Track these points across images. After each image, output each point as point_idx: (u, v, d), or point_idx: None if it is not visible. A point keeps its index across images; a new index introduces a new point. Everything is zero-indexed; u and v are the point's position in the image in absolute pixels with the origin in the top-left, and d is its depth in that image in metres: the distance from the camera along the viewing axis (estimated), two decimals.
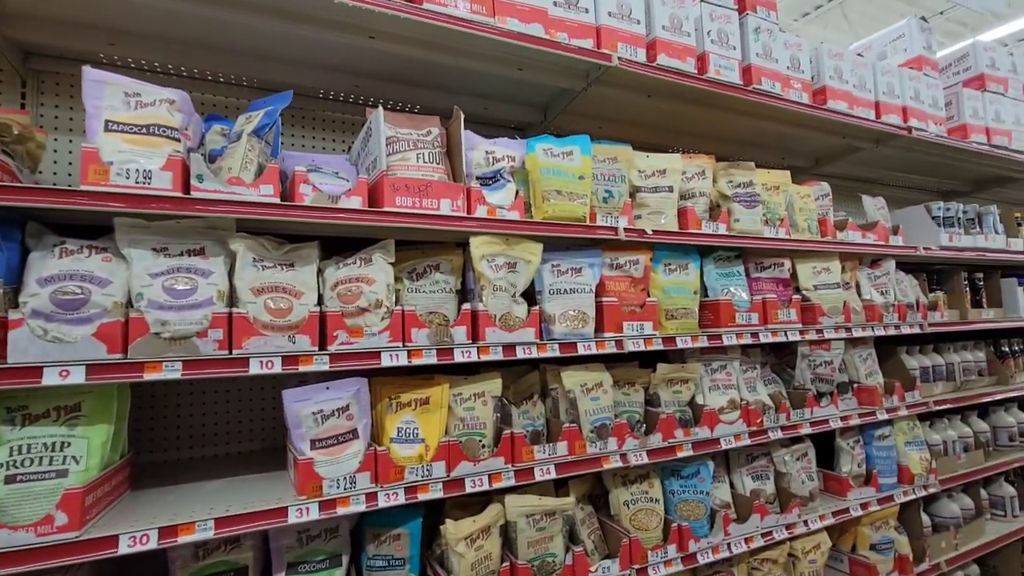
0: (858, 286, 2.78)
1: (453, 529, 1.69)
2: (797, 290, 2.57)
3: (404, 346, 1.66)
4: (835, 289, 2.59)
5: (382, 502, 1.58)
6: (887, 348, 3.01)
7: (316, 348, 1.54)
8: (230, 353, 1.44)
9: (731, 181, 2.38)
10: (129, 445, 1.68)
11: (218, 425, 2.06)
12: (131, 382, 1.54)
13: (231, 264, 1.54)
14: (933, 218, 3.08)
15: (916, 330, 2.87)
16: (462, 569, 1.68)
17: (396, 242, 1.81)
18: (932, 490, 2.80)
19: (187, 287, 1.44)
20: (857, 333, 2.62)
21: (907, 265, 3.24)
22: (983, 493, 3.30)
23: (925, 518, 2.96)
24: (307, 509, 1.50)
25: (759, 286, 2.49)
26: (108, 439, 1.43)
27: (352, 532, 1.77)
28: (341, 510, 1.53)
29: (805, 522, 2.38)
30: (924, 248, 2.96)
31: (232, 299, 1.53)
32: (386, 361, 1.62)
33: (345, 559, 1.69)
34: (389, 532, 1.71)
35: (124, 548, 1.30)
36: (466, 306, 1.76)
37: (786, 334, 2.40)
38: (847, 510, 2.52)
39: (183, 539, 1.36)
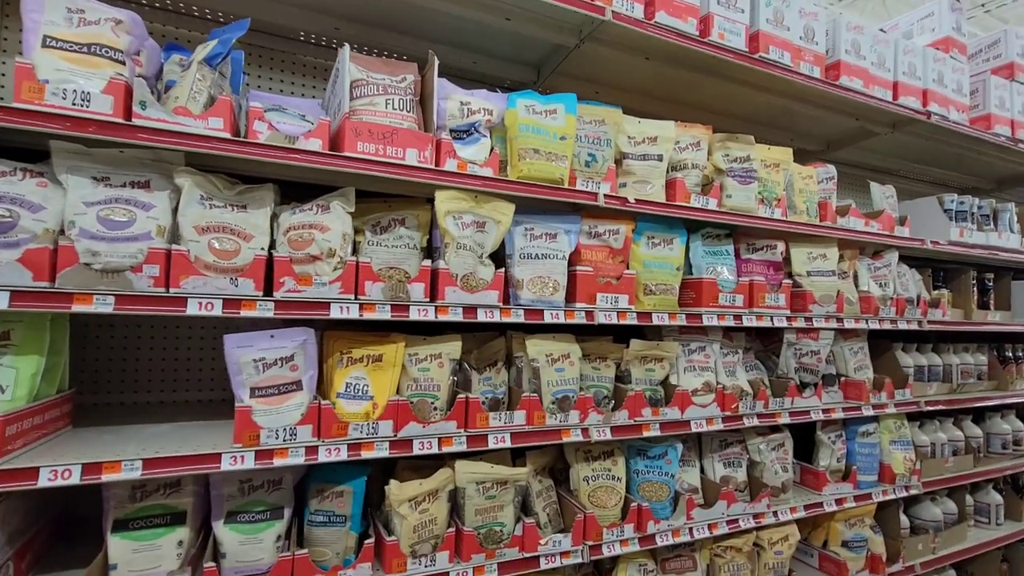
0: (856, 276, 2.65)
1: (396, 490, 1.64)
2: (790, 275, 2.45)
3: (356, 299, 1.58)
4: (830, 277, 2.47)
5: (323, 456, 1.53)
6: (882, 343, 2.89)
7: (260, 293, 1.47)
8: (167, 291, 1.38)
9: (727, 155, 2.25)
10: (73, 383, 1.65)
11: (176, 371, 2.02)
12: (65, 313, 1.50)
13: (177, 201, 1.47)
14: (945, 211, 2.92)
15: (914, 326, 2.74)
16: (404, 531, 1.63)
17: (362, 194, 1.73)
18: (914, 491, 2.71)
19: (124, 219, 1.37)
20: (849, 324, 2.50)
21: (913, 259, 3.09)
22: (969, 499, 3.20)
23: (904, 519, 2.87)
24: (242, 457, 1.45)
25: (749, 268, 2.37)
26: (38, 371, 1.38)
27: (297, 486, 1.73)
28: (279, 461, 1.49)
29: (775, 513, 2.31)
30: (932, 242, 2.81)
31: (175, 237, 1.46)
32: (336, 313, 1.55)
33: (287, 512, 1.65)
34: (333, 488, 1.66)
35: (44, 481, 1.27)
36: (426, 262, 1.68)
37: (772, 319, 2.29)
38: (820, 504, 2.44)
39: (108, 477, 1.32)
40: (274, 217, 1.62)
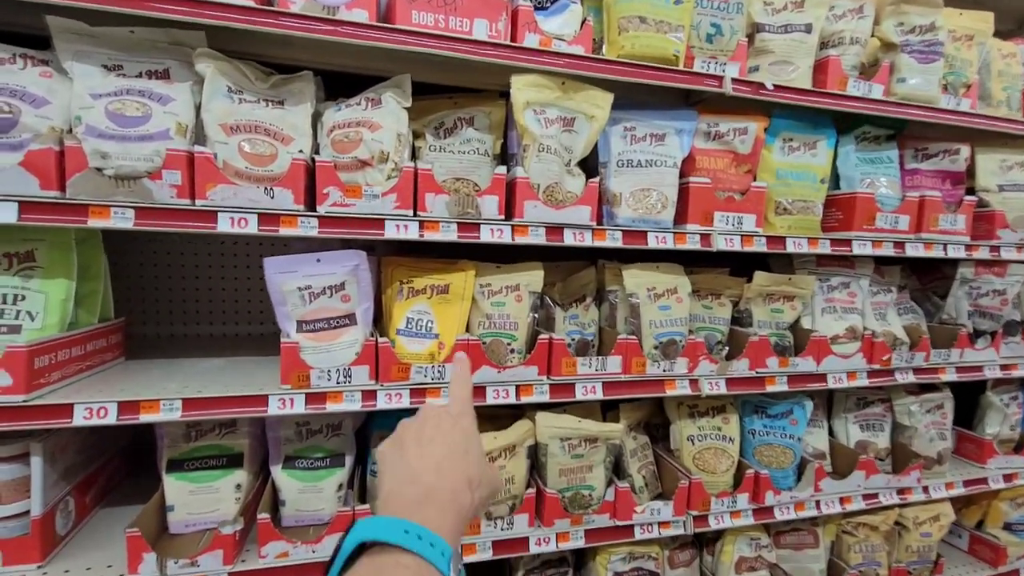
0: None
1: None
2: (971, 191, 1.86)
3: (415, 215, 1.28)
4: None
5: (382, 403, 1.30)
6: None
7: (302, 207, 1.20)
8: (192, 203, 1.14)
9: (902, 24, 1.66)
10: (122, 313, 1.51)
11: (237, 303, 1.87)
12: (94, 232, 1.33)
13: (201, 94, 1.20)
14: None
15: None
16: None
17: (421, 90, 1.39)
18: None
19: (138, 114, 1.12)
20: None
21: None
22: None
23: None
24: (291, 400, 1.25)
25: (916, 181, 1.81)
26: (69, 296, 1.22)
27: (359, 432, 1.54)
28: (332, 406, 1.27)
29: (925, 488, 1.87)
30: None
31: (200, 138, 1.20)
32: (391, 232, 1.26)
33: (348, 460, 1.47)
34: None
35: (79, 420, 1.12)
36: (500, 170, 1.33)
37: (946, 248, 1.75)
38: (984, 480, 1.96)
39: (146, 417, 1.16)
40: (316, 117, 1.33)
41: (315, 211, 1.22)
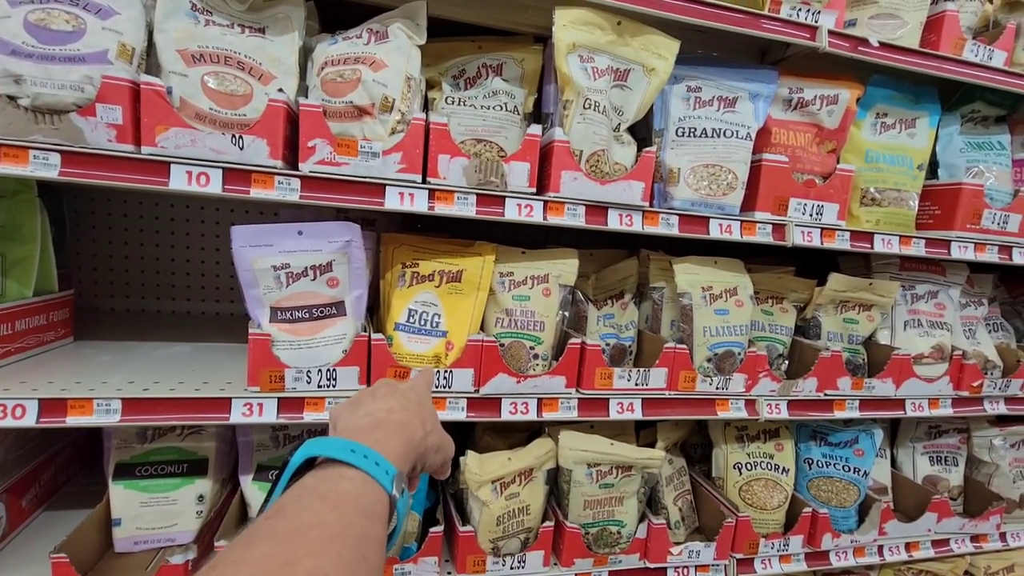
0: None
1: (476, 467, 1.14)
2: None
3: (425, 182, 1.01)
4: None
5: None
6: None
7: (279, 164, 0.94)
8: (137, 149, 0.88)
9: None
10: (71, 285, 1.27)
11: (215, 277, 1.62)
12: (28, 182, 1.08)
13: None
14: None
15: None
16: (484, 520, 1.15)
17: (440, 27, 1.12)
18: None
19: (67, 28, 0.86)
20: None
21: None
22: None
23: None
24: (259, 406, 1.00)
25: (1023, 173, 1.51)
26: None
27: None
28: (311, 415, 1.02)
29: (1003, 535, 1.60)
30: None
31: (154, 68, 0.94)
32: (392, 202, 0.99)
33: None
34: None
35: None
36: (533, 130, 1.05)
37: None
38: None
39: (75, 420, 0.92)
40: (307, 52, 1.06)
41: (297, 170, 0.95)
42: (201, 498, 1.19)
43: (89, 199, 1.50)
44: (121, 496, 1.14)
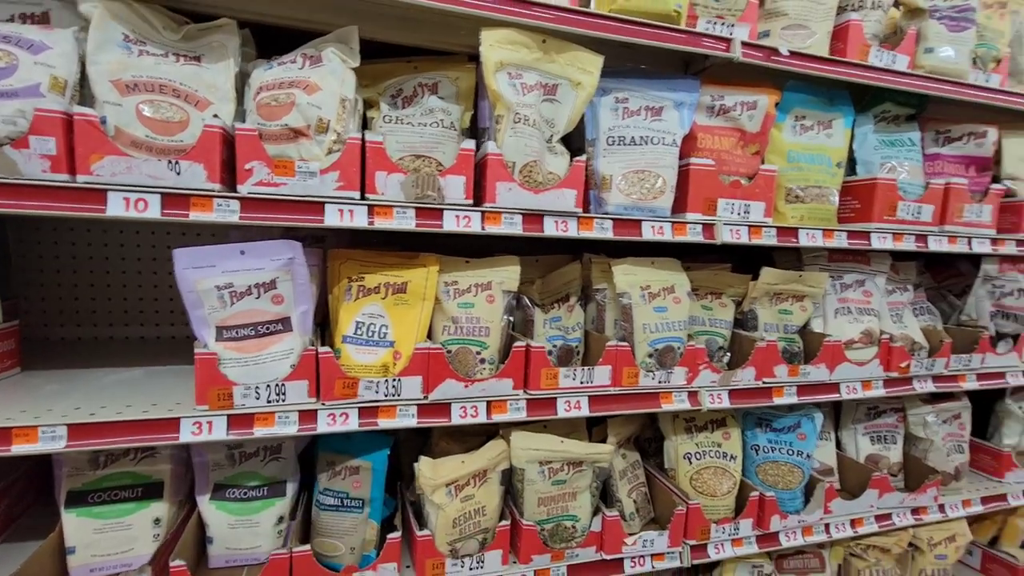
0: None
1: (429, 471, 1.18)
2: (996, 179, 1.68)
3: (363, 198, 1.05)
4: None
5: (324, 425, 1.08)
6: None
7: (218, 187, 0.97)
8: (72, 179, 0.90)
9: None
10: (17, 316, 1.26)
11: (166, 302, 1.62)
12: None
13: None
14: None
15: None
16: (440, 524, 1.18)
17: (378, 49, 1.16)
18: None
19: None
20: None
21: None
22: None
23: None
24: (208, 425, 1.02)
25: (937, 167, 1.63)
26: None
27: (305, 453, 1.32)
28: (261, 430, 1.04)
29: (941, 507, 1.70)
30: None
31: (89, 99, 0.96)
32: (332, 218, 1.03)
33: (290, 488, 1.25)
34: (346, 463, 1.23)
35: None
36: (467, 145, 1.10)
37: (970, 243, 1.57)
38: (1003, 497, 1.80)
39: (19, 448, 0.93)
40: (244, 78, 1.09)
41: (236, 192, 0.98)
42: (158, 521, 1.20)
43: (34, 229, 1.50)
44: (74, 524, 1.14)
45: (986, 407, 1.94)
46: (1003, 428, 1.89)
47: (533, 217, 1.15)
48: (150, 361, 1.36)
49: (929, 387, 1.60)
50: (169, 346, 1.54)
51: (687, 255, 1.52)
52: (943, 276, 1.90)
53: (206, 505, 1.21)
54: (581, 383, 1.25)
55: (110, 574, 1.15)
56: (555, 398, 1.23)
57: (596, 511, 1.34)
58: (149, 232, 1.58)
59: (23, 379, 1.21)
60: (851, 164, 1.54)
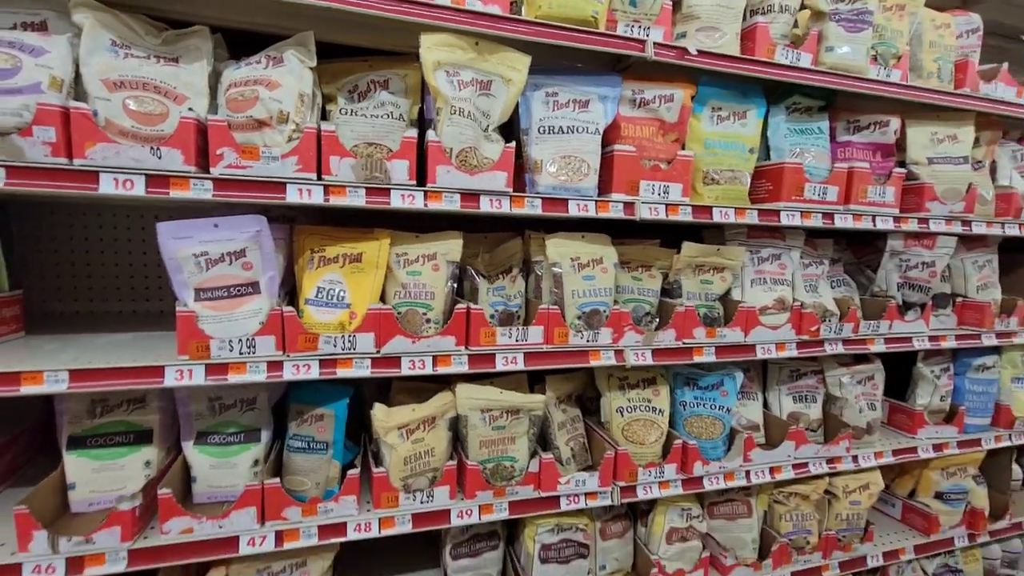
0: (994, 166, 2.02)
1: (382, 416, 1.36)
2: (902, 164, 1.87)
3: (320, 179, 1.23)
4: (959, 166, 1.87)
5: (289, 374, 1.26)
6: (1018, 257, 2.27)
7: (193, 169, 1.15)
8: (70, 162, 1.08)
9: None
10: (21, 287, 1.44)
11: (155, 279, 1.80)
12: None
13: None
14: None
15: None
16: (393, 462, 1.37)
17: (338, 50, 1.34)
18: None
19: (6, 66, 1.05)
20: (978, 229, 1.92)
21: None
22: None
23: (1017, 470, 2.38)
24: (189, 372, 1.20)
25: (848, 153, 1.81)
26: None
27: (278, 407, 1.50)
28: (235, 377, 1.23)
29: (854, 458, 1.90)
30: None
31: (83, 95, 1.13)
32: (293, 196, 1.21)
33: (265, 435, 1.43)
34: (312, 411, 1.41)
35: None
36: (410, 132, 1.28)
37: (874, 220, 1.76)
38: (914, 450, 2.00)
39: (28, 390, 1.10)
40: (216, 76, 1.27)
41: (209, 173, 1.16)
42: (148, 463, 1.38)
43: (34, 215, 1.66)
44: (74, 464, 1.32)
45: (907, 372, 2.14)
46: (917, 390, 2.10)
47: (470, 196, 1.33)
48: (139, 329, 1.54)
49: (839, 349, 1.80)
50: (156, 318, 1.72)
51: (626, 235, 1.70)
52: (862, 253, 2.09)
53: (190, 449, 1.39)
54: (517, 341, 1.43)
55: (106, 508, 1.33)
56: (494, 354, 1.42)
57: (534, 455, 1.53)
58: (138, 216, 1.75)
59: (27, 341, 1.38)
60: (766, 151, 1.72)
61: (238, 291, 1.24)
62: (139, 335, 1.47)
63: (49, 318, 1.64)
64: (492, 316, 1.51)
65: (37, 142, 1.05)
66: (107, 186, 1.09)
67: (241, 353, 1.23)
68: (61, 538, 1.17)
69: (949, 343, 1.97)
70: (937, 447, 2.04)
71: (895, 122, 1.79)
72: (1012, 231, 1.98)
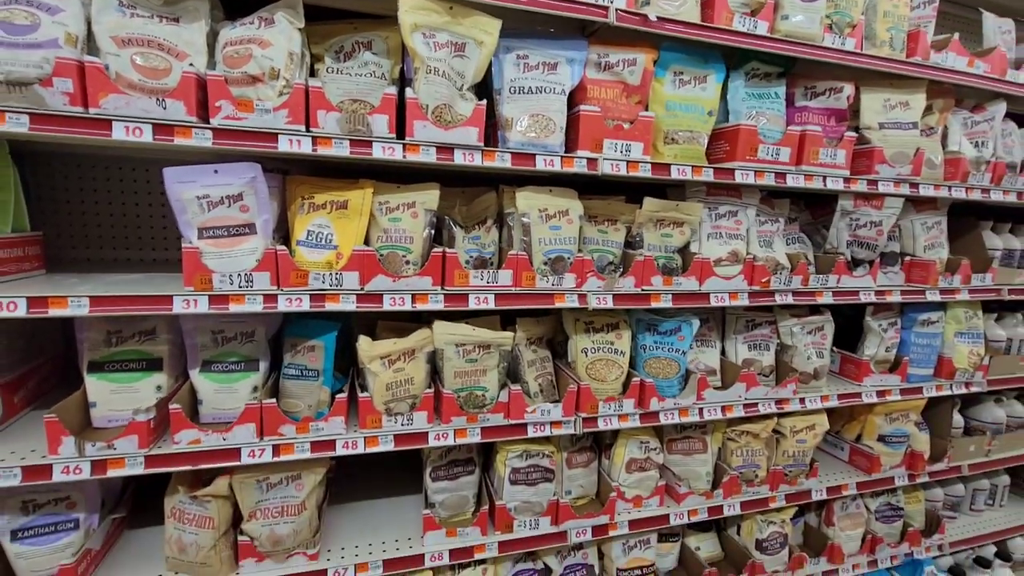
0: (945, 133, 2.15)
1: (367, 347, 1.53)
2: (856, 130, 2.00)
3: (308, 131, 1.37)
4: (909, 131, 2.00)
5: (282, 305, 1.42)
6: (967, 221, 2.42)
7: (195, 119, 1.29)
8: (86, 110, 1.22)
9: None
10: (42, 229, 1.60)
11: (164, 229, 1.95)
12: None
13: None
14: None
15: (1011, 198, 2.25)
16: (377, 388, 1.55)
17: (327, 12, 1.46)
18: (975, 389, 2.39)
19: (26, 23, 1.18)
20: (925, 192, 2.06)
21: None
22: None
23: (960, 419, 2.58)
24: (195, 301, 1.36)
25: (804, 118, 1.94)
26: None
27: (274, 341, 1.67)
28: (235, 307, 1.39)
29: (801, 400, 2.08)
30: None
31: (93, 50, 1.26)
32: (284, 146, 1.35)
33: (263, 365, 1.61)
34: (304, 343, 1.58)
35: None
36: (389, 90, 1.42)
37: (825, 181, 1.90)
38: (858, 395, 2.19)
39: (54, 311, 1.27)
40: (213, 35, 1.39)
41: (209, 123, 1.30)
42: (159, 388, 1.55)
43: (49, 167, 1.80)
44: (95, 386, 1.49)
45: (858, 327, 2.31)
46: (866, 341, 2.27)
47: (445, 149, 1.47)
48: (152, 271, 1.70)
49: (789, 300, 1.96)
50: (163, 265, 1.87)
51: (592, 190, 1.84)
52: (819, 213, 2.24)
53: (196, 376, 1.57)
54: (488, 283, 1.59)
55: (124, 424, 1.52)
56: (467, 294, 1.58)
57: (504, 387, 1.71)
58: (143, 169, 1.89)
59: (48, 277, 1.54)
60: (725, 114, 1.85)
61: (236, 231, 1.39)
62: (149, 275, 1.63)
63: (64, 262, 1.80)
64: (467, 262, 1.67)
65: (57, 92, 1.19)
66: (119, 133, 1.24)
67: (240, 287, 1.39)
68: (87, 443, 1.35)
69: (895, 297, 2.13)
70: (880, 394, 2.23)
71: (849, 88, 1.91)
72: (958, 194, 2.12)
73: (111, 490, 1.71)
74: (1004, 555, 2.86)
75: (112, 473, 1.38)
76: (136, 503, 1.82)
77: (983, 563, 2.72)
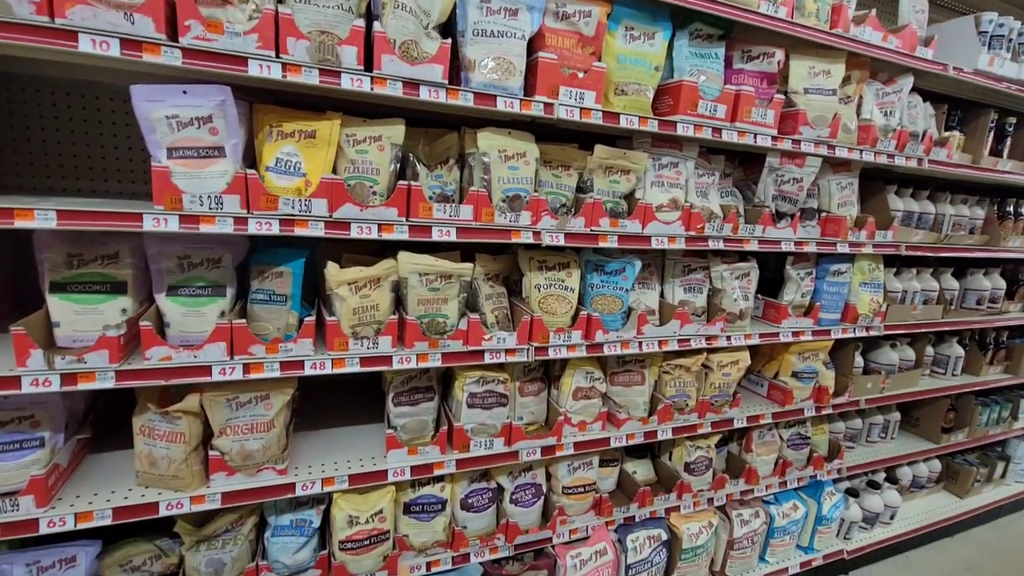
0: (860, 102, 2.41)
1: (335, 272, 1.62)
2: (785, 93, 2.21)
3: (278, 57, 1.42)
4: (829, 97, 2.24)
5: (252, 228, 1.49)
6: (875, 184, 2.73)
7: (163, 37, 1.31)
8: (52, 20, 1.22)
9: None
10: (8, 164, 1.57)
11: (119, 161, 1.93)
12: None
13: None
14: (980, 33, 2.57)
15: (912, 164, 2.55)
16: (344, 312, 1.65)
17: None
18: (874, 332, 2.74)
19: None
20: (841, 153, 2.32)
21: (932, 94, 2.79)
22: (929, 350, 3.27)
23: (860, 361, 2.96)
24: (165, 220, 1.40)
25: (739, 79, 2.14)
26: None
27: (240, 269, 1.72)
28: (205, 227, 1.44)
29: (728, 337, 2.34)
30: (955, 68, 2.50)
31: None
32: (255, 71, 1.40)
33: (230, 291, 1.66)
34: (272, 269, 1.65)
35: None
36: (358, 22, 1.48)
37: (755, 137, 2.11)
38: (776, 335, 2.48)
39: (20, 223, 1.29)
40: None
41: (178, 43, 1.33)
42: (124, 311, 1.59)
43: (8, 90, 1.74)
44: (57, 305, 1.51)
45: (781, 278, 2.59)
46: (786, 288, 2.55)
47: (411, 84, 1.56)
48: (116, 197, 1.70)
49: (720, 246, 2.18)
50: (131, 197, 1.86)
51: (548, 137, 1.96)
52: (751, 171, 2.47)
53: (163, 300, 1.61)
54: (450, 216, 1.70)
55: (89, 345, 1.55)
56: (431, 226, 1.69)
57: (463, 315, 1.84)
58: (108, 98, 1.86)
59: (11, 197, 1.52)
60: (670, 71, 2.01)
61: (206, 152, 1.43)
62: (117, 199, 1.64)
63: (25, 189, 1.76)
64: (430, 198, 1.77)
65: (24, 0, 1.18)
66: (86, 45, 1.25)
67: (211, 208, 1.44)
68: (56, 356, 1.39)
69: (811, 248, 2.41)
70: (795, 334, 2.53)
71: (779, 54, 2.12)
72: (867, 157, 2.40)
73: (74, 414, 1.74)
74: (892, 479, 3.32)
75: (83, 386, 1.42)
76: (96, 430, 1.86)
77: (874, 485, 3.16)
